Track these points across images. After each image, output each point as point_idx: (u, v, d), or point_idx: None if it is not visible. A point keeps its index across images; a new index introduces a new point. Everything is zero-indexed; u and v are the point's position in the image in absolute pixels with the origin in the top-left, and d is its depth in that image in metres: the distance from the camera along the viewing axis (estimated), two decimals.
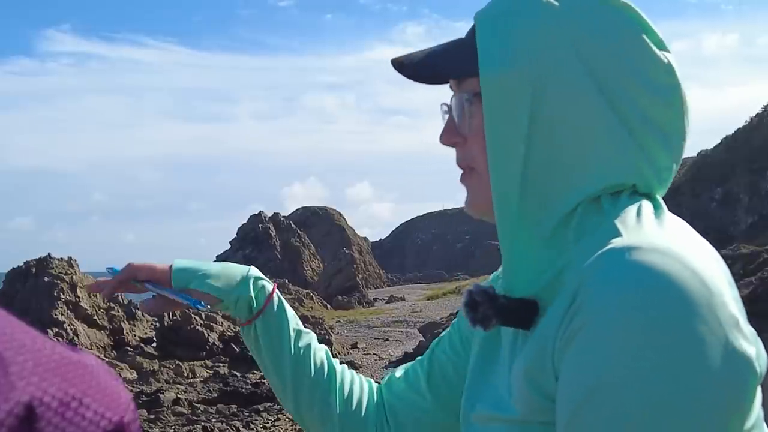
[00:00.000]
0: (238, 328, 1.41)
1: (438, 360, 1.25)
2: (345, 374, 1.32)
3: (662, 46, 0.92)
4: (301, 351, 1.29)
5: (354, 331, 23.22)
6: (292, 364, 1.28)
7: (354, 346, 19.48)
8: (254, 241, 44.96)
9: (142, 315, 20.39)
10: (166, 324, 18.32)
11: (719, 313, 0.76)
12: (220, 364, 16.53)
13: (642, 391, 0.74)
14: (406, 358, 14.85)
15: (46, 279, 19.49)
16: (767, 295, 9.90)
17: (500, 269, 1.03)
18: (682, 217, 0.93)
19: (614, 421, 0.75)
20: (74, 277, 19.83)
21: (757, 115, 28.61)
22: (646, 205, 0.90)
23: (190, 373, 15.54)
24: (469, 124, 0.97)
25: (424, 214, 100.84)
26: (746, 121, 28.90)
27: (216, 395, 12.94)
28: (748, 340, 0.79)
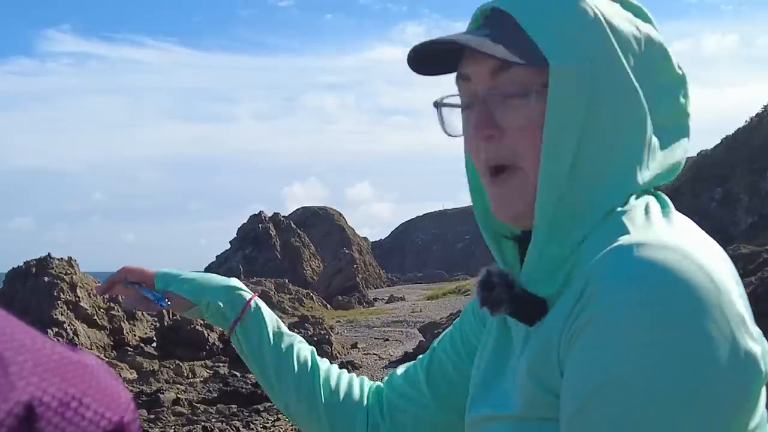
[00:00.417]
0: None
1: (438, 358, 1.25)
2: (331, 370, 1.36)
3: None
4: (283, 351, 1.35)
5: (354, 331, 23.18)
6: (275, 365, 1.34)
7: (354, 346, 19.45)
8: (254, 241, 44.91)
9: (143, 315, 20.37)
10: (166, 324, 18.28)
11: (727, 311, 0.77)
12: (220, 364, 16.49)
13: (649, 386, 0.74)
14: (406, 358, 14.83)
15: (46, 279, 19.47)
16: (767, 295, 9.89)
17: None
18: None
19: (621, 416, 0.75)
20: (74, 277, 19.82)
21: (756, 115, 28.62)
22: (654, 203, 0.90)
23: (190, 373, 15.52)
24: (515, 117, 0.90)
25: (424, 214, 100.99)
26: (746, 121, 28.91)
27: (216, 395, 12.92)
28: (754, 339, 0.79)
